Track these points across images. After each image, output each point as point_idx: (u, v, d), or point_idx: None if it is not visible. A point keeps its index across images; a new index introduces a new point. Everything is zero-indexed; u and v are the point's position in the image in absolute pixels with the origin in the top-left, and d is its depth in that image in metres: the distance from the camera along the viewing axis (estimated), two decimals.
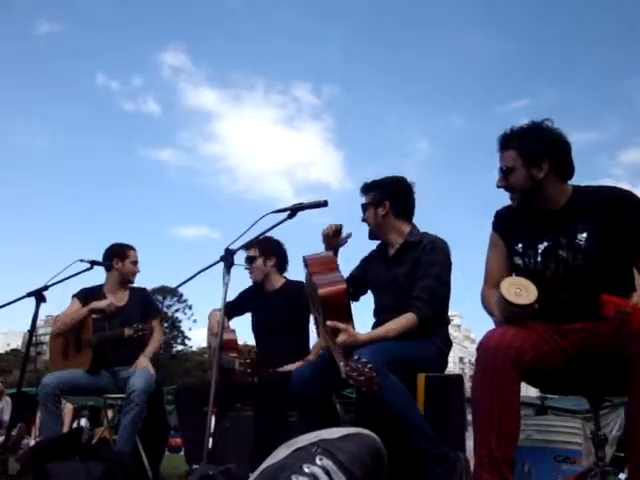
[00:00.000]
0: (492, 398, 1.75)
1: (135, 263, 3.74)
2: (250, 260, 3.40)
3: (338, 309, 2.21)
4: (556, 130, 2.04)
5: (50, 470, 2.34)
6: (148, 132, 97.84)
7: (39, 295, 3.08)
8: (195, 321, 45.09)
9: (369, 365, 1.84)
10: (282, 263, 3.47)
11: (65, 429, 7.05)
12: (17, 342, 49.31)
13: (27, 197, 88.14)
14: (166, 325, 42.79)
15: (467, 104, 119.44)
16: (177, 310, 46.26)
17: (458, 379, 2.35)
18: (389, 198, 2.64)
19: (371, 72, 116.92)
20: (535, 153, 2.00)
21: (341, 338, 2.17)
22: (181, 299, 46.40)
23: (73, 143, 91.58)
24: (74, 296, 3.70)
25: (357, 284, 2.78)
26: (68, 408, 7.27)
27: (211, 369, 3.06)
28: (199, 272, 2.88)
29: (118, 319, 3.50)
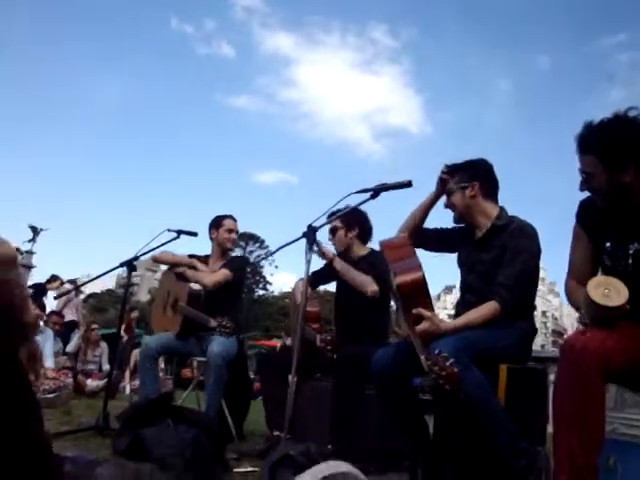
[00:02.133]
0: (575, 404, 1.69)
1: (230, 231, 3.82)
2: (333, 231, 3.43)
3: (417, 297, 2.19)
4: None
5: (145, 435, 2.53)
6: (225, 77, 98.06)
7: (130, 265, 3.28)
8: (277, 267, 46.25)
9: (450, 360, 1.82)
10: (365, 234, 3.46)
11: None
12: (112, 283, 52.78)
13: (104, 152, 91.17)
14: (248, 270, 44.32)
15: (554, 41, 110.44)
16: (259, 256, 47.56)
17: (541, 371, 2.29)
18: (476, 178, 2.55)
19: (450, 11, 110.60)
20: (617, 158, 1.82)
21: (424, 326, 2.15)
22: (263, 245, 47.63)
23: (148, 91, 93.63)
24: (188, 255, 3.87)
25: (442, 237, 2.75)
26: None
27: (293, 334, 3.14)
28: (282, 246, 2.95)
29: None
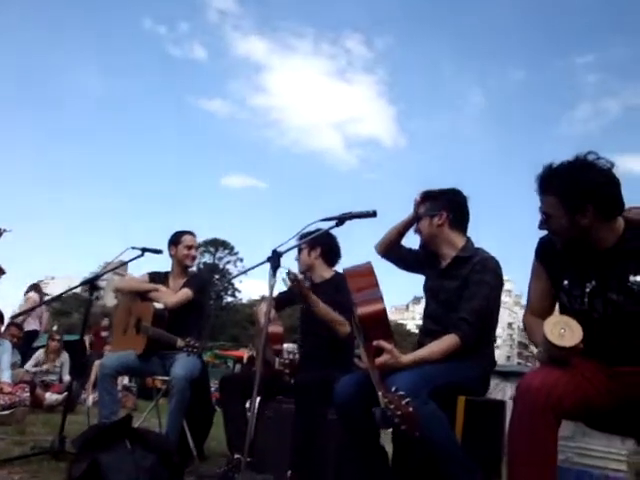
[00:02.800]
0: (530, 444, 1.72)
1: (189, 247, 3.76)
2: (298, 252, 3.43)
3: (377, 329, 2.20)
4: (601, 168, 1.86)
5: (102, 461, 2.49)
6: (195, 80, 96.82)
7: (92, 284, 3.23)
8: (246, 274, 45.70)
9: (407, 400, 1.83)
10: (329, 254, 3.47)
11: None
12: (77, 287, 51.31)
13: (70, 149, 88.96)
14: (217, 277, 43.92)
15: (527, 57, 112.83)
16: (228, 262, 47.27)
17: (498, 405, 2.32)
18: (446, 208, 2.59)
19: (425, 22, 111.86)
20: (577, 201, 1.85)
21: (383, 358, 2.17)
22: (232, 252, 47.36)
23: (118, 89, 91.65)
24: (147, 273, 3.84)
25: (414, 258, 2.78)
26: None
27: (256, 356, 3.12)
28: (246, 270, 2.99)
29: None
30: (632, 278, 1.85)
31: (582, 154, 1.89)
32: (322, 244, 3.39)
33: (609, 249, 1.91)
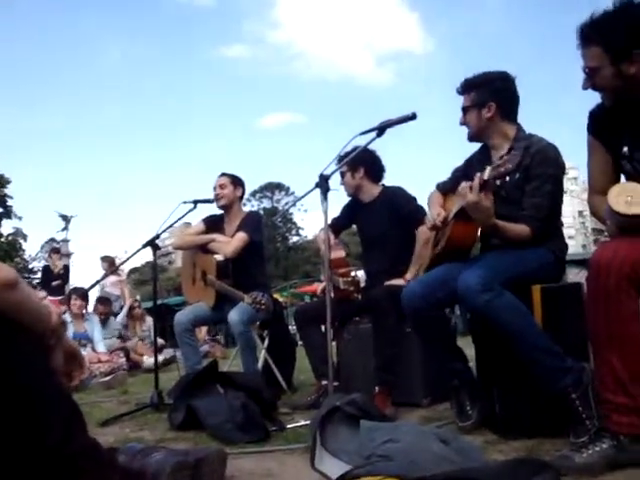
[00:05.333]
0: (609, 318, 1.65)
1: (215, 189, 3.76)
2: (342, 176, 3.38)
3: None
4: None
5: (198, 406, 2.62)
6: (208, 28, 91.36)
7: (153, 245, 3.31)
8: (306, 211, 45.93)
9: None
10: (373, 172, 3.39)
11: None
12: (151, 255, 53.73)
13: (109, 123, 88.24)
14: (279, 220, 44.44)
15: None
16: (287, 203, 47.50)
17: (575, 287, 2.24)
18: (495, 98, 2.38)
19: None
20: (622, 46, 1.69)
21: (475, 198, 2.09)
22: (289, 192, 47.50)
23: (134, 56, 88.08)
24: (202, 220, 3.88)
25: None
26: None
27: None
28: (298, 200, 2.95)
29: None
30: None
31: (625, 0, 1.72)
32: (364, 163, 3.30)
33: None
